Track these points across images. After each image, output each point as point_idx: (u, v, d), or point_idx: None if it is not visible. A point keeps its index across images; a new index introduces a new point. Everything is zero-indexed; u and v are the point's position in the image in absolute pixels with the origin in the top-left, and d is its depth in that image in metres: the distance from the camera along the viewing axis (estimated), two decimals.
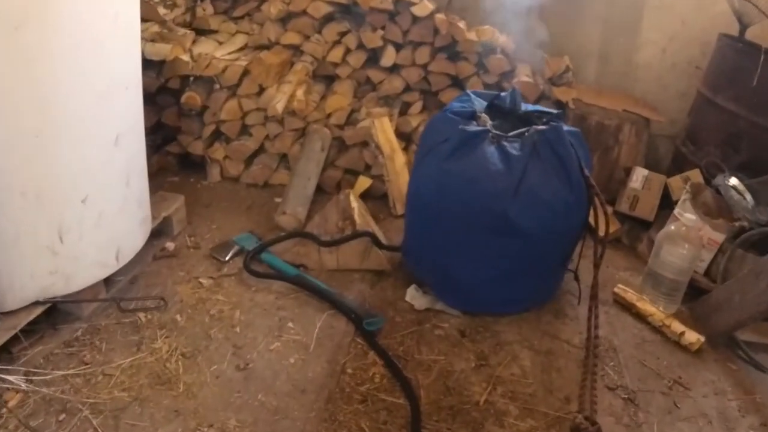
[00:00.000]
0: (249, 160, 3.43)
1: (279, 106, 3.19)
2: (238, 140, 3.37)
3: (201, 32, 3.46)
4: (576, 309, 2.79)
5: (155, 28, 3.21)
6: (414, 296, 2.74)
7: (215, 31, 3.48)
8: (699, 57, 3.68)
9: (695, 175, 3.23)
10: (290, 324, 2.56)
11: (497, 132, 2.53)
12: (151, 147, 3.41)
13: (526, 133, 2.53)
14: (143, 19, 3.19)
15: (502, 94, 2.77)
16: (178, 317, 2.55)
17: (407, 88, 3.45)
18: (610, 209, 3.25)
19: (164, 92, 3.33)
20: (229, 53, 3.34)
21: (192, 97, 3.24)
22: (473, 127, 2.51)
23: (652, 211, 3.25)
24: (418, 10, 3.29)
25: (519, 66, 3.54)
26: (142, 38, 3.14)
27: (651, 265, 2.86)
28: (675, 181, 3.27)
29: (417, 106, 3.44)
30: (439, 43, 3.36)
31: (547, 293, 2.79)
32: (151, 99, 3.32)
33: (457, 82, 3.45)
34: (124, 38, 2.46)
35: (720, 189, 3.03)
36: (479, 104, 2.67)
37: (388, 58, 3.41)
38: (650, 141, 3.62)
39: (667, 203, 3.28)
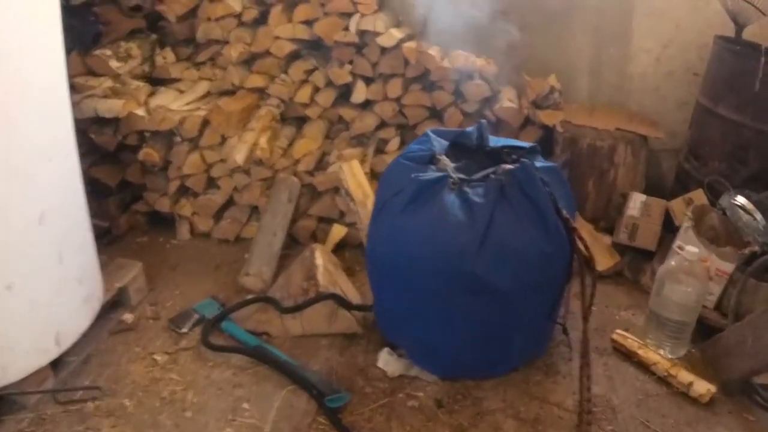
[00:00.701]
0: (219, 215, 3.01)
1: (239, 156, 2.77)
2: (205, 194, 2.96)
3: (162, 82, 3.07)
4: (570, 364, 2.30)
5: (108, 83, 2.83)
6: (387, 361, 2.28)
7: (178, 80, 3.10)
8: (697, 63, 3.14)
9: (698, 196, 2.72)
10: (245, 405, 2.12)
11: (457, 176, 2.06)
12: (119, 207, 3.03)
13: (492, 175, 2.08)
14: (96, 75, 2.84)
15: (468, 129, 2.31)
16: (126, 402, 2.14)
17: (383, 124, 3.01)
18: (607, 240, 2.78)
19: (125, 149, 2.93)
20: (188, 103, 2.93)
21: (149, 153, 2.84)
22: (429, 174, 2.05)
23: (654, 240, 2.73)
24: (385, 41, 2.83)
25: (504, 90, 3.09)
26: (94, 95, 2.78)
27: (653, 305, 2.35)
28: (677, 205, 2.75)
29: (394, 143, 2.98)
30: (411, 74, 2.90)
31: (535, 349, 2.30)
32: (112, 157, 2.94)
33: (436, 113, 3.01)
34: (42, 106, 2.10)
35: (726, 210, 2.53)
36: (439, 145, 2.20)
37: (359, 93, 2.97)
38: (651, 157, 3.11)
39: (671, 227, 2.76)
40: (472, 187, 2.03)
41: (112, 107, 2.76)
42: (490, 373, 2.21)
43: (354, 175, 2.70)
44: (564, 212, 2.03)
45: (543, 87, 2.89)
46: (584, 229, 2.83)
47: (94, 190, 2.98)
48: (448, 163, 2.10)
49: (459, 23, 2.99)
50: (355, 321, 2.38)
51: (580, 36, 3.23)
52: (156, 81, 3.07)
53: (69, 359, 2.31)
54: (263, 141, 2.83)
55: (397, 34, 2.85)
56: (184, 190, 2.97)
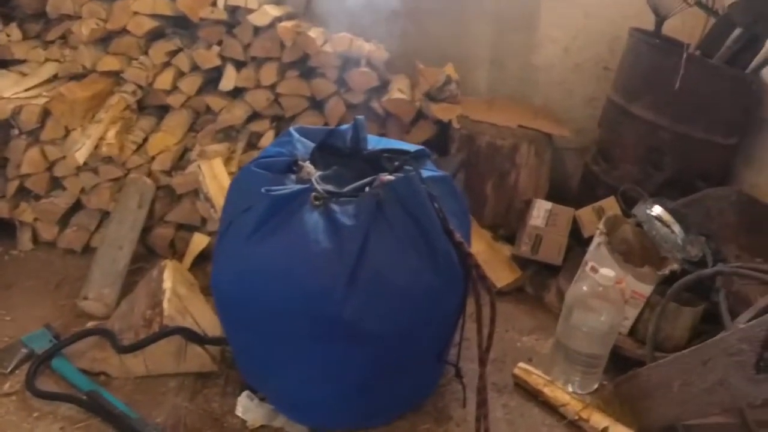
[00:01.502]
0: (66, 221, 2.33)
1: (80, 154, 2.10)
2: (48, 197, 2.29)
3: (6, 64, 2.39)
4: (464, 407, 1.74)
5: None
6: (247, 408, 1.69)
7: (23, 61, 2.42)
8: (608, 56, 2.65)
9: (610, 205, 2.22)
10: None
11: (323, 189, 1.50)
12: None
13: (367, 188, 1.53)
14: None
15: (342, 128, 1.73)
16: None
17: (256, 116, 2.39)
18: (507, 252, 2.28)
19: None
20: (27, 89, 2.24)
21: None
22: (286, 187, 1.47)
23: (559, 253, 2.22)
24: (257, 19, 2.21)
25: (395, 79, 2.56)
26: None
27: (560, 335, 1.84)
28: (585, 214, 2.24)
29: (268, 137, 2.36)
30: (289, 58, 2.28)
31: (423, 392, 1.74)
32: None
33: (317, 104, 2.42)
34: None
35: (642, 222, 2.08)
36: (303, 147, 1.62)
37: (228, 79, 2.32)
38: (555, 156, 2.58)
39: (578, 238, 2.26)
40: (341, 203, 1.46)
41: None
42: (370, 425, 1.67)
43: (215, 177, 2.10)
44: (457, 235, 1.51)
45: (438, 77, 2.32)
46: (482, 238, 2.32)
47: None
48: (312, 172, 1.52)
49: (347, 4, 2.45)
50: (210, 358, 1.78)
51: (480, 21, 2.67)
52: (2, 63, 2.37)
53: None
54: (111, 135, 2.17)
55: (272, 11, 2.23)
56: (25, 192, 2.30)
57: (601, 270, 1.75)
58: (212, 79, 2.41)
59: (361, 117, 1.68)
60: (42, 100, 2.20)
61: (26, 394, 1.74)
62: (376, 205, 1.44)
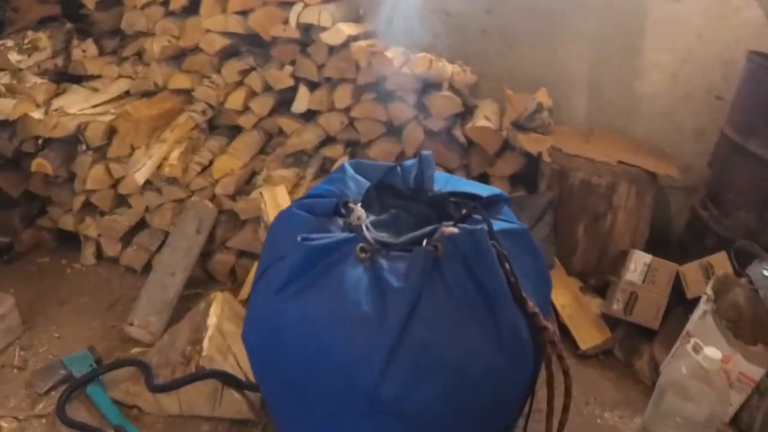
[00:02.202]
0: (130, 239, 2.15)
1: (140, 174, 1.93)
2: (112, 214, 2.12)
3: (82, 79, 2.23)
4: None
5: (6, 79, 2.01)
6: None
7: (97, 77, 2.25)
8: (721, 83, 2.20)
9: (720, 262, 1.78)
10: None
11: (374, 239, 1.20)
12: (24, 221, 2.19)
13: (425, 241, 1.22)
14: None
15: (406, 163, 1.43)
16: None
17: (330, 140, 2.14)
18: (596, 307, 1.91)
19: (28, 156, 2.08)
20: (95, 105, 2.09)
21: (41, 164, 2.00)
22: (328, 235, 1.18)
23: (657, 316, 1.80)
24: (331, 38, 1.95)
25: (481, 105, 2.23)
26: None
27: (648, 421, 1.46)
28: (691, 271, 1.81)
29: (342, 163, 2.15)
30: (364, 80, 2.01)
31: None
32: (14, 164, 2.12)
33: (395, 130, 2.11)
34: None
35: (757, 286, 1.68)
36: (356, 185, 1.32)
37: (301, 101, 2.09)
38: (659, 196, 2.18)
39: (680, 298, 1.83)
40: (392, 258, 1.17)
41: (3, 108, 1.94)
42: None
43: (278, 204, 1.85)
44: (530, 304, 1.20)
45: (527, 104, 2.00)
46: (568, 289, 1.97)
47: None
48: (362, 217, 1.23)
49: (431, 23, 2.16)
50: (247, 404, 1.54)
51: (577, 42, 2.28)
52: (77, 78, 2.24)
53: None
54: (175, 155, 1.98)
55: (346, 30, 1.96)
56: (90, 207, 2.14)
57: (706, 350, 1.37)
58: (286, 100, 2.17)
59: (427, 153, 1.38)
60: (108, 118, 2.04)
61: (57, 419, 1.59)
62: (431, 264, 1.14)
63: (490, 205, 1.34)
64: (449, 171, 2.09)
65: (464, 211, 1.28)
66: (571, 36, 2.29)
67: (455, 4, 2.32)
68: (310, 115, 2.17)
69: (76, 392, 1.65)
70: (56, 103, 2.06)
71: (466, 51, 2.27)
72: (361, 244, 1.18)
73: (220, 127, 2.24)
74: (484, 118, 2.07)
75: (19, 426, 1.57)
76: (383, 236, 1.25)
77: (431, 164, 1.37)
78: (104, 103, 2.12)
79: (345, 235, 1.19)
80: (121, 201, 2.14)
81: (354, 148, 2.15)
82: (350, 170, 1.36)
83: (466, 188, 1.38)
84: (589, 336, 1.85)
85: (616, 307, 1.83)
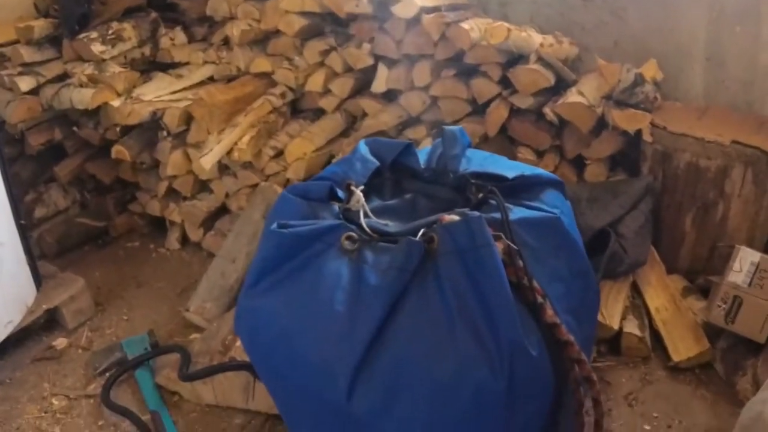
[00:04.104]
0: (212, 223, 2.10)
1: (206, 159, 1.86)
2: (193, 200, 2.08)
3: (171, 67, 2.20)
4: None
5: (89, 69, 2.03)
6: None
7: (185, 64, 2.19)
8: None
9: None
10: None
11: (370, 228, 1.00)
12: (117, 206, 2.24)
13: (421, 233, 0.98)
14: (80, 60, 2.05)
15: (437, 141, 1.22)
16: None
17: (415, 121, 1.92)
18: (698, 310, 1.55)
19: (114, 143, 2.09)
20: (174, 92, 2.04)
21: (120, 151, 2.02)
22: (309, 223, 1.00)
23: (763, 328, 1.41)
24: (402, 10, 1.75)
25: (583, 79, 1.89)
26: (71, 84, 2.00)
27: None
28: None
29: (426, 145, 1.84)
30: (442, 55, 1.79)
31: None
32: (105, 152, 2.13)
33: (479, 108, 1.87)
34: None
35: None
36: (363, 166, 1.11)
37: (380, 81, 1.90)
38: None
39: None
40: (379, 251, 0.96)
41: (82, 98, 1.96)
42: None
43: None
44: (549, 312, 0.93)
45: (621, 75, 1.67)
46: (666, 289, 1.64)
47: (96, 187, 2.26)
48: (360, 201, 1.03)
49: None
50: None
51: (694, 8, 1.84)
52: (166, 66, 2.21)
53: None
54: (245, 140, 1.89)
55: (418, 1, 1.74)
56: (175, 193, 2.11)
57: None
58: (371, 80, 2.02)
59: (453, 128, 1.15)
60: (185, 104, 1.99)
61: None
62: (422, 258, 0.93)
63: (521, 187, 1.09)
64: (539, 153, 1.82)
65: (480, 195, 1.05)
66: (686, 1, 1.89)
67: None
68: (394, 96, 2.01)
69: (127, 375, 1.63)
70: (137, 91, 2.06)
71: (567, 21, 1.97)
72: (347, 233, 1.00)
73: (306, 110, 2.14)
74: (578, 93, 1.75)
75: (68, 404, 1.58)
76: (385, 224, 1.05)
77: (456, 141, 1.13)
78: (185, 89, 2.07)
79: (330, 222, 1.00)
80: (205, 186, 2.11)
81: (439, 129, 1.94)
82: (363, 150, 1.15)
83: (499, 169, 1.13)
84: (684, 346, 1.50)
85: (716, 313, 1.45)
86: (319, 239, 0.99)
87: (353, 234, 0.98)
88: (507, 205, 0.98)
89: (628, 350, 1.58)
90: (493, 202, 1.00)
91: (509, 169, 1.13)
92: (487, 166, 1.13)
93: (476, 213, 0.91)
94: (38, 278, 1.79)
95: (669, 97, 1.88)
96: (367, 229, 1.00)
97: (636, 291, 1.68)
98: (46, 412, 1.56)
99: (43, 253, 2.11)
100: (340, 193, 1.06)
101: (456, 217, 0.94)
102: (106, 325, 1.84)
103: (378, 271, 0.92)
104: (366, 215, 1.03)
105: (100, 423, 1.51)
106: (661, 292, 1.62)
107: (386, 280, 0.91)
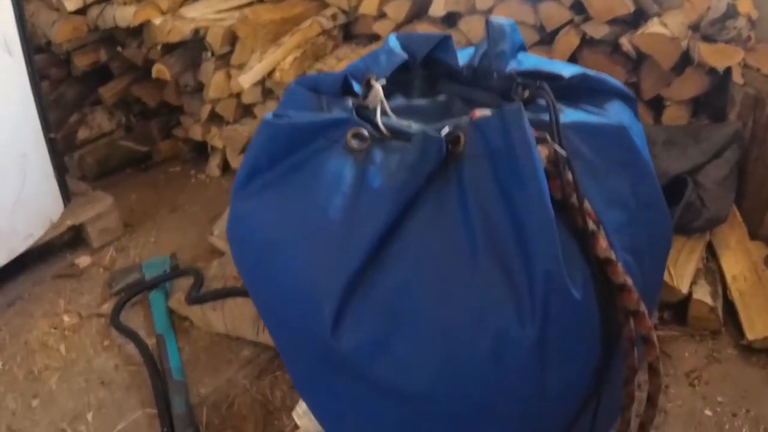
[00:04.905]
0: None
1: (245, 78, 1.65)
2: (235, 124, 1.90)
3: None
4: None
5: None
6: (304, 414, 1.06)
7: None
8: None
9: None
10: (89, 415, 1.19)
11: (387, 127, 0.77)
12: (162, 131, 2.09)
13: (445, 131, 0.72)
14: None
15: (482, 40, 0.92)
16: None
17: None
18: None
19: None
20: (220, 11, 1.83)
21: (160, 70, 1.84)
22: (311, 115, 0.78)
23: None
24: None
25: (669, 11, 1.58)
26: (114, 2, 1.86)
27: None
28: None
29: None
30: None
31: None
32: (149, 75, 1.93)
33: (547, 37, 1.58)
34: None
35: None
36: (388, 60, 0.84)
37: (438, 4, 1.61)
38: None
39: None
40: (390, 150, 0.73)
41: (125, 15, 1.82)
42: None
43: None
44: (603, 244, 0.67)
45: (712, 4, 1.34)
46: (746, 256, 1.34)
47: (141, 111, 2.13)
48: (378, 94, 0.79)
49: None
50: None
51: None
52: None
53: None
54: (288, 60, 1.68)
55: None
56: (218, 117, 1.93)
57: None
58: (428, 4, 1.76)
59: (500, 19, 0.90)
60: (230, 23, 1.82)
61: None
62: (440, 160, 0.69)
63: (581, 91, 0.81)
64: None
65: (527, 93, 0.80)
66: None
67: None
68: (454, 20, 1.76)
69: (143, 297, 1.48)
70: (182, 10, 1.86)
71: None
72: (354, 129, 0.78)
73: (359, 36, 1.90)
74: (661, 24, 1.45)
75: (78, 322, 1.44)
76: (407, 126, 0.83)
77: (504, 36, 0.86)
78: (231, 8, 1.86)
79: (335, 115, 0.77)
80: (249, 112, 1.92)
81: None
82: (392, 42, 0.90)
83: (555, 68, 0.85)
84: (762, 323, 1.20)
85: None
86: (321, 134, 0.76)
87: (362, 131, 0.77)
88: (559, 105, 0.74)
89: (695, 320, 1.30)
90: (541, 102, 0.77)
91: (568, 69, 0.89)
92: (541, 66, 0.88)
93: (515, 104, 0.68)
94: (67, 195, 1.65)
95: (763, 41, 1.55)
96: (382, 128, 0.79)
97: (711, 253, 1.38)
98: (55, 329, 1.43)
99: (84, 174, 1.98)
100: (358, 88, 0.85)
101: (488, 112, 0.72)
102: (132, 246, 1.69)
103: (385, 173, 0.71)
104: (384, 113, 0.81)
105: (105, 343, 1.37)
106: (740, 258, 1.32)
107: (393, 183, 0.68)
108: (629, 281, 0.69)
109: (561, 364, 0.68)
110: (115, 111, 2.10)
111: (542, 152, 0.67)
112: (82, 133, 2.04)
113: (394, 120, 0.80)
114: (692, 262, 1.29)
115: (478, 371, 0.67)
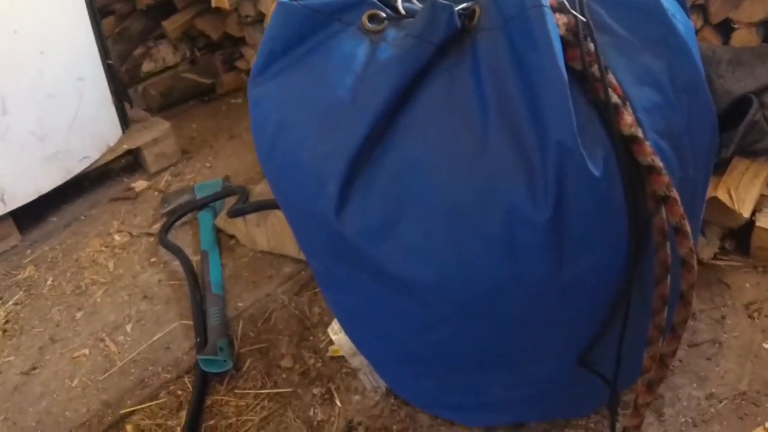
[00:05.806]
0: None
1: None
2: None
3: None
4: None
5: None
6: (338, 333, 1.06)
7: None
8: None
9: None
10: (128, 327, 1.23)
11: (405, 8, 0.72)
12: (225, 63, 2.08)
13: (461, 6, 0.66)
14: None
15: None
16: (49, 280, 1.39)
17: None
18: None
19: None
20: None
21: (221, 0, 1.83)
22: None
23: None
24: None
25: None
26: None
27: None
28: None
29: None
30: None
31: (546, 405, 0.85)
32: (213, 9, 1.92)
33: None
34: None
35: None
36: None
37: None
38: None
39: None
40: (402, 27, 0.68)
41: None
42: (453, 418, 0.92)
43: None
44: (628, 118, 0.61)
45: None
46: None
47: (206, 45, 2.15)
48: None
49: None
50: None
51: None
52: None
53: (50, 219, 1.59)
54: None
55: None
56: None
57: None
58: None
59: None
60: None
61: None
62: (451, 30, 0.64)
63: None
64: None
65: None
66: None
67: None
68: None
69: (193, 217, 1.50)
70: None
71: None
72: (371, 11, 0.73)
73: None
74: None
75: (129, 241, 1.49)
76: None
77: None
78: None
79: None
80: None
81: None
82: None
83: None
84: None
85: None
86: (337, 17, 0.73)
87: (379, 12, 0.73)
88: None
89: (758, 251, 1.19)
90: None
91: None
92: None
93: None
94: (125, 121, 1.70)
95: None
96: (401, 8, 0.74)
97: None
98: (106, 247, 1.48)
99: (148, 106, 2.03)
100: None
101: None
102: (188, 171, 1.72)
103: (393, 45, 0.67)
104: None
105: (152, 260, 1.41)
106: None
107: (399, 52, 0.65)
108: (658, 162, 0.62)
109: (580, 249, 0.63)
110: (179, 44, 2.13)
111: (560, 20, 0.61)
112: (147, 66, 2.08)
113: (416, 4, 0.76)
114: (756, 186, 1.18)
115: (488, 254, 0.63)
